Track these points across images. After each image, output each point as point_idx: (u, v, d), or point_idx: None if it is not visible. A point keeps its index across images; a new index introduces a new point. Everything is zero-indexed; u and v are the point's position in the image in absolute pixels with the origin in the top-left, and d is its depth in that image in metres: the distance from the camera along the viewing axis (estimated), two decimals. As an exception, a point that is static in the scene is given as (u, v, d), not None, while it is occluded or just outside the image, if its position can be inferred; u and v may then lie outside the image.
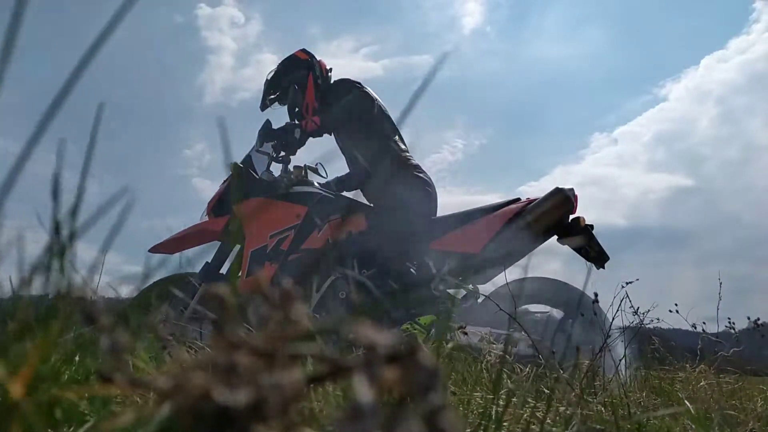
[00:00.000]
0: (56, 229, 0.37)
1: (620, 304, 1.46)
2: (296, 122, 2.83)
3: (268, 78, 3.10)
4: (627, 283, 1.59)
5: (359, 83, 2.97)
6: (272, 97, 3.09)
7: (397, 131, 2.93)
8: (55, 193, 0.37)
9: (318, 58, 3.12)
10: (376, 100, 2.93)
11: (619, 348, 1.49)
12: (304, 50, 3.15)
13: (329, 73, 3.12)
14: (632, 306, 1.56)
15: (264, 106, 3.11)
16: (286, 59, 3.12)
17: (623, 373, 1.39)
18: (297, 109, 3.02)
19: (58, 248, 0.37)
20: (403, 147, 2.89)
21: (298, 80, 3.00)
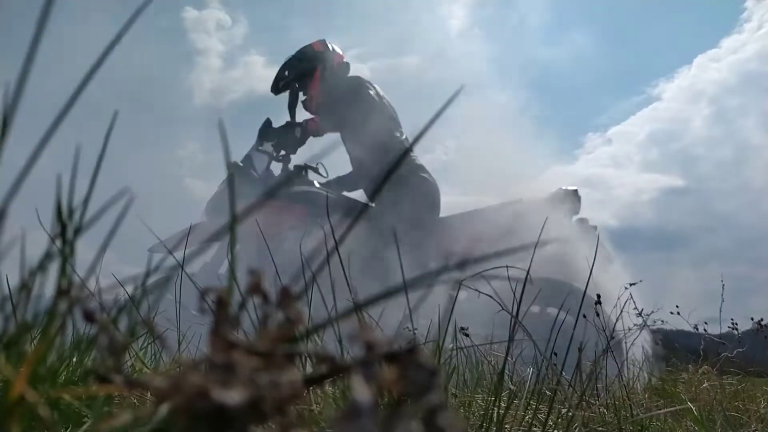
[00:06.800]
0: (61, 223, 0.37)
1: (624, 306, 1.46)
2: (297, 121, 2.84)
3: (284, 64, 3.09)
4: (631, 284, 1.58)
5: (368, 83, 2.94)
6: (283, 82, 3.08)
7: (401, 131, 2.93)
8: (60, 196, 0.37)
9: (339, 51, 3.10)
10: (383, 98, 2.92)
11: (623, 349, 1.49)
12: (322, 41, 3.12)
13: (344, 68, 3.10)
14: (636, 308, 1.55)
15: (275, 89, 3.09)
16: (303, 48, 3.10)
17: (626, 374, 1.38)
18: (303, 100, 3.01)
19: (62, 245, 0.37)
20: (407, 146, 2.90)
21: (309, 71, 2.99)
